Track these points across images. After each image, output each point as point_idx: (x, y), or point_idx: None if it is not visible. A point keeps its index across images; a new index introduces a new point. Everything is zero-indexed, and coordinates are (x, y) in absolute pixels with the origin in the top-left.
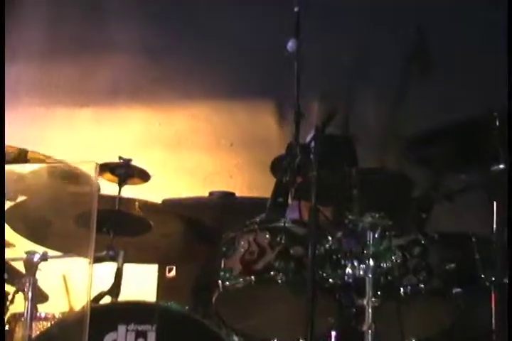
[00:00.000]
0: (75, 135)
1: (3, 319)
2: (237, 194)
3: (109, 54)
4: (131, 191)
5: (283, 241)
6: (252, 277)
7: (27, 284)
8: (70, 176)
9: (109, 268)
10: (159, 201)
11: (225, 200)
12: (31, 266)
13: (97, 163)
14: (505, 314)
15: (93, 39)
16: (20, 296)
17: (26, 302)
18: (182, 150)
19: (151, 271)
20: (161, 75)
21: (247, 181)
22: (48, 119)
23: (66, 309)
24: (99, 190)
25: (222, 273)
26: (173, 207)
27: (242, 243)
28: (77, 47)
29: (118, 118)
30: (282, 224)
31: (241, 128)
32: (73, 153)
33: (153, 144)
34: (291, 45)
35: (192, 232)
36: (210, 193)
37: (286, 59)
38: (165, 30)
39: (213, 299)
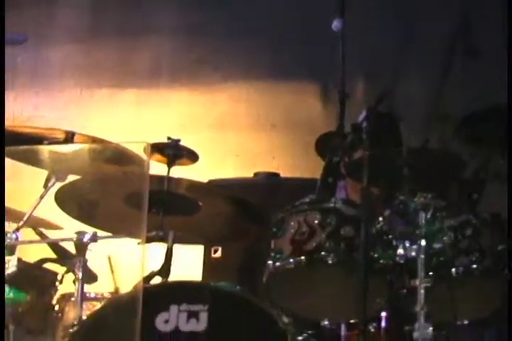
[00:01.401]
0: (117, 117)
1: (4, 318)
2: (281, 175)
3: (150, 36)
4: (177, 172)
5: (333, 222)
6: (303, 257)
7: (77, 264)
8: (120, 157)
9: (157, 248)
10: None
11: (270, 181)
12: (81, 247)
13: (148, 143)
14: None
15: (135, 21)
16: (69, 276)
17: (76, 283)
18: (225, 132)
19: (195, 251)
20: (203, 56)
21: (291, 162)
22: (92, 101)
23: (113, 289)
24: (147, 170)
25: (272, 254)
26: (220, 188)
27: (292, 223)
28: (119, 29)
29: (160, 100)
30: (333, 205)
31: (284, 109)
32: (116, 134)
33: (196, 125)
34: (336, 24)
35: (238, 213)
36: (255, 174)
37: (331, 38)
38: (206, 11)
39: (263, 279)
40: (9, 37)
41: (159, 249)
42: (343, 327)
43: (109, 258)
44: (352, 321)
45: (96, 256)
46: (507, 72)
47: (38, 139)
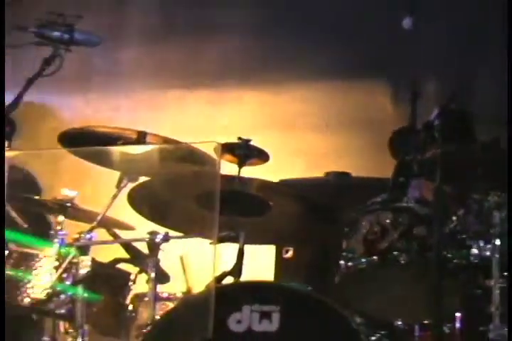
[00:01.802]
0: (188, 117)
1: (4, 316)
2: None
3: (220, 35)
4: (248, 172)
5: (406, 221)
6: (375, 257)
7: (150, 264)
8: (191, 157)
9: (228, 248)
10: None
11: (340, 180)
12: (154, 247)
13: (218, 143)
14: None
15: (205, 21)
16: (142, 277)
17: (149, 283)
18: (295, 131)
19: (267, 251)
20: (273, 56)
21: (361, 161)
22: (163, 102)
23: (184, 290)
24: (219, 170)
25: (344, 254)
26: (290, 188)
27: (364, 223)
28: (190, 29)
29: (230, 100)
30: (405, 204)
31: (353, 108)
32: (187, 135)
33: (266, 125)
34: (407, 22)
35: (309, 213)
36: (326, 173)
37: (401, 37)
38: (276, 10)
39: (336, 280)
40: (85, 38)
41: (231, 249)
42: (416, 328)
43: (181, 259)
44: (426, 322)
45: (168, 256)
46: (507, 71)
47: (111, 139)
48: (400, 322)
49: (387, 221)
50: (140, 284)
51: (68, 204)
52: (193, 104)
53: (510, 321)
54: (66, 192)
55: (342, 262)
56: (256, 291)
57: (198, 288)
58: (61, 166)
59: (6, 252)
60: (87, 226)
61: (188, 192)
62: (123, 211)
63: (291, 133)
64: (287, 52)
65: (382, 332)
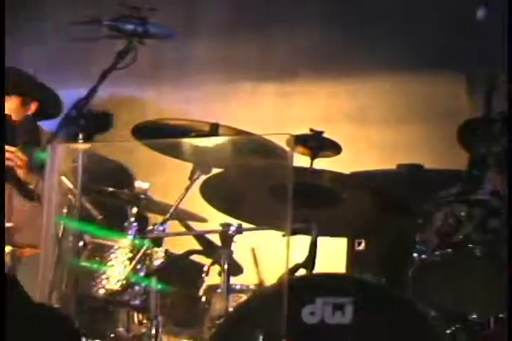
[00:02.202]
0: (259, 109)
1: (4, 315)
2: (425, 167)
3: (290, 28)
4: (320, 163)
5: (480, 214)
6: (449, 250)
7: (223, 256)
8: (264, 149)
9: (301, 240)
10: None
11: (413, 173)
12: (227, 239)
13: (291, 135)
14: None
15: (275, 13)
16: (215, 268)
17: (222, 275)
18: (367, 123)
19: (338, 243)
20: (344, 48)
21: (434, 154)
22: (235, 95)
23: (256, 281)
24: (291, 162)
25: (417, 246)
26: (363, 180)
27: (439, 215)
28: (260, 22)
29: (301, 92)
30: (480, 196)
31: (426, 100)
32: (258, 127)
33: (338, 117)
34: (481, 13)
35: (382, 205)
36: (398, 166)
37: (474, 28)
38: (343, 2)
39: (409, 272)
40: (158, 31)
41: (303, 241)
42: (492, 322)
43: (253, 251)
44: (501, 316)
45: (241, 248)
46: (507, 71)
47: (184, 132)
48: (474, 316)
49: (462, 213)
50: (213, 276)
51: (142, 196)
52: (263, 96)
53: (510, 321)
54: (139, 184)
55: (415, 255)
56: (329, 283)
57: (270, 280)
58: (134, 158)
59: (81, 243)
60: (160, 218)
61: (261, 184)
62: (196, 203)
63: (363, 125)
64: (358, 43)
65: (457, 326)
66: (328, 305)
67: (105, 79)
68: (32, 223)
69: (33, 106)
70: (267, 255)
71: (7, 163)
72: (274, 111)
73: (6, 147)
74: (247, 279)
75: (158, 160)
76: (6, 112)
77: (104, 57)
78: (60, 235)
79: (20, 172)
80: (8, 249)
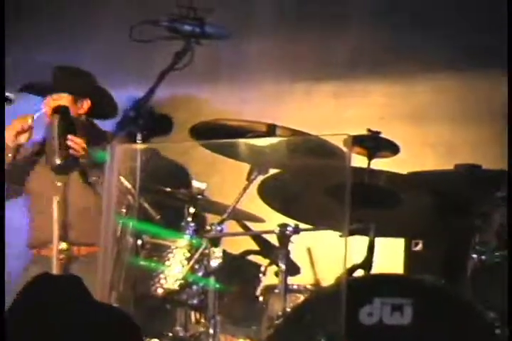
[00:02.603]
0: (316, 109)
1: (4, 316)
2: (483, 167)
3: (348, 26)
4: (376, 164)
5: None
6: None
7: (280, 256)
8: (321, 149)
9: (358, 241)
10: None
11: (471, 173)
12: (284, 239)
13: (349, 136)
14: None
15: (332, 11)
16: (272, 268)
17: (279, 275)
18: (425, 123)
19: (396, 244)
20: (401, 47)
21: (490, 154)
22: (290, 94)
23: (313, 282)
24: (349, 162)
25: (477, 247)
26: (421, 180)
27: (497, 216)
28: (317, 20)
29: (358, 92)
30: None
31: (484, 99)
32: (314, 127)
33: (395, 117)
34: None
35: (439, 206)
36: (456, 166)
37: None
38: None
39: (468, 273)
40: (215, 32)
41: (360, 241)
42: None
43: (309, 251)
44: None
45: (297, 248)
46: (507, 71)
47: (241, 132)
48: None
49: None
50: (270, 276)
51: (199, 197)
52: (319, 97)
53: (510, 320)
54: (197, 184)
55: (475, 256)
56: (387, 284)
57: (327, 280)
58: (191, 159)
59: (140, 243)
60: (217, 218)
61: (319, 185)
62: (252, 203)
63: (421, 125)
64: (413, 43)
65: None
66: (386, 306)
67: (163, 80)
68: (89, 221)
69: (86, 105)
70: (324, 255)
71: (72, 152)
72: (330, 111)
73: (71, 137)
74: (303, 279)
75: (214, 161)
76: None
77: (161, 58)
78: (118, 235)
79: (84, 162)
80: (63, 246)
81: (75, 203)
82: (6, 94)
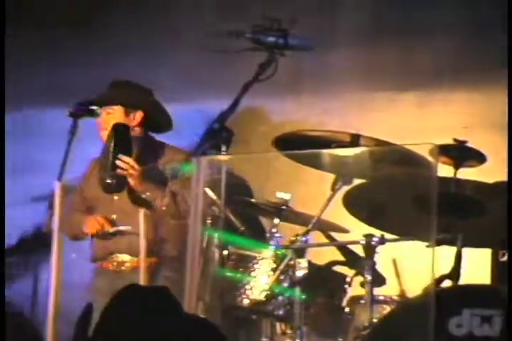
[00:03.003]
0: (399, 119)
1: (4, 317)
2: None
3: (430, 36)
4: (462, 173)
5: None
6: None
7: (366, 267)
8: (406, 159)
9: (446, 251)
10: None
11: None
12: (370, 249)
13: (435, 145)
14: None
15: (415, 21)
16: (358, 279)
17: (365, 285)
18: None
19: (482, 254)
20: (482, 56)
21: None
22: (373, 104)
23: (398, 292)
24: (435, 172)
25: None
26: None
27: None
28: (399, 30)
29: (442, 101)
30: None
31: None
32: (398, 136)
33: (479, 126)
34: None
35: None
36: None
37: None
38: (484, 10)
39: None
40: (299, 43)
41: (447, 251)
42: None
43: (394, 261)
44: None
45: (382, 259)
46: (507, 72)
47: (325, 142)
48: None
49: None
50: (356, 286)
51: (283, 207)
52: (403, 106)
53: (510, 320)
54: (281, 195)
55: None
56: (476, 295)
57: (413, 291)
58: (272, 169)
59: (225, 252)
60: (301, 229)
61: (405, 195)
62: (336, 213)
63: (504, 133)
64: (495, 50)
65: None
66: (475, 317)
67: (247, 92)
68: (172, 235)
69: (138, 117)
70: (410, 266)
71: (121, 172)
72: (413, 120)
73: (122, 157)
74: (389, 290)
75: (298, 171)
76: (112, 121)
77: (245, 69)
78: (204, 246)
79: (132, 182)
80: (125, 258)
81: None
82: (92, 107)
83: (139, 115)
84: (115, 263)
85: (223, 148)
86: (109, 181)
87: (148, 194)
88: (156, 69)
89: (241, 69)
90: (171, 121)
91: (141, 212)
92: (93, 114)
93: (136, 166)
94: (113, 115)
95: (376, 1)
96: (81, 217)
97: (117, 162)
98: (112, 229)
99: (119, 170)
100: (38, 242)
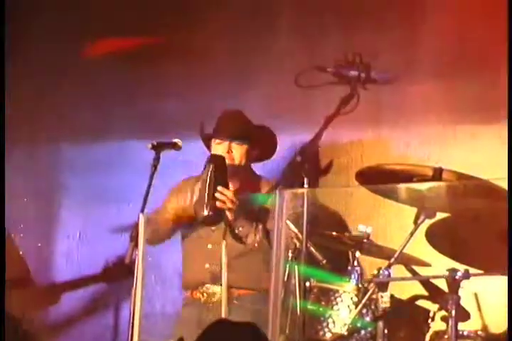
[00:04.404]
0: (481, 152)
1: (4, 317)
2: None
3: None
4: None
5: None
6: None
7: (449, 302)
8: (489, 193)
9: None
10: None
11: None
12: (453, 284)
13: None
14: None
15: (495, 54)
16: (441, 314)
17: (449, 320)
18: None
19: None
20: None
21: None
22: (455, 137)
23: (480, 327)
24: None
25: None
26: None
27: None
28: (481, 63)
29: None
30: None
31: None
32: (480, 170)
33: None
34: None
35: None
36: None
37: None
38: None
39: None
40: (381, 77)
41: None
42: None
43: (476, 296)
44: None
45: (464, 293)
46: (507, 72)
47: (407, 176)
48: None
49: None
50: (439, 321)
51: (365, 240)
52: (484, 139)
53: (510, 320)
54: (362, 228)
55: None
56: None
57: (496, 326)
58: (354, 202)
59: (307, 287)
60: (382, 262)
61: (488, 229)
62: (416, 246)
63: None
64: None
65: None
66: None
67: (329, 125)
68: (242, 265)
69: (256, 152)
70: (494, 300)
71: (220, 205)
72: (495, 154)
73: (221, 189)
74: (472, 325)
75: (379, 204)
76: (232, 158)
77: (323, 103)
78: (285, 278)
79: (230, 215)
80: (215, 289)
81: (227, 248)
82: (174, 140)
83: (256, 151)
84: (205, 294)
85: (305, 181)
86: (205, 214)
87: (240, 229)
88: (240, 101)
89: (321, 103)
90: (275, 150)
91: (224, 243)
92: (175, 146)
93: (235, 200)
94: (238, 152)
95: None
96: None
97: (217, 195)
98: None
99: (218, 203)
100: (120, 272)
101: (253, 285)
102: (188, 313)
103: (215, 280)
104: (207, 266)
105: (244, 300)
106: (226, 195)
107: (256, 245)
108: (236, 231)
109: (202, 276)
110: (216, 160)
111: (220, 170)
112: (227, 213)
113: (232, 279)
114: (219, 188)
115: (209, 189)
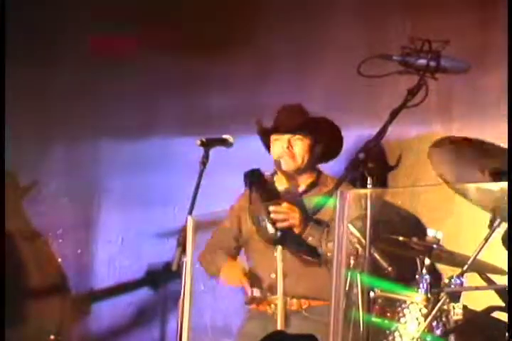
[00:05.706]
0: None
1: (4, 317)
2: None
3: None
4: None
5: None
6: None
7: None
8: None
9: None
10: None
11: None
12: None
13: None
14: None
15: None
16: None
17: None
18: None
19: None
20: None
21: None
22: None
23: None
24: None
25: None
26: None
27: None
28: None
29: None
30: None
31: None
32: None
33: None
34: None
35: None
36: None
37: None
38: None
39: None
40: (452, 65)
41: None
42: None
43: None
44: None
45: None
46: (507, 73)
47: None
48: None
49: None
50: None
51: (434, 246)
52: None
53: (510, 319)
54: (432, 233)
55: None
56: None
57: None
58: (422, 203)
59: (371, 297)
60: (453, 270)
61: None
62: (492, 253)
63: None
64: None
65: None
66: None
67: (395, 119)
68: (309, 274)
69: (319, 149)
70: None
71: (281, 225)
72: None
73: (273, 209)
74: None
75: (448, 206)
76: (293, 155)
77: (388, 95)
78: (347, 288)
79: (297, 229)
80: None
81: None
82: (225, 136)
83: (320, 148)
84: (273, 306)
85: (369, 181)
86: (270, 233)
87: (310, 239)
88: (301, 93)
89: (386, 94)
90: (341, 148)
91: (279, 250)
92: (225, 143)
93: (295, 210)
94: (299, 146)
95: None
96: (220, 259)
97: (272, 216)
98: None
99: (278, 225)
100: (167, 278)
101: (325, 295)
102: (251, 326)
103: (285, 291)
104: (273, 275)
105: (314, 312)
106: (282, 212)
107: (329, 254)
108: (307, 243)
109: (266, 288)
110: (250, 178)
111: (259, 187)
112: (294, 229)
113: (302, 289)
114: (271, 208)
115: (261, 212)
